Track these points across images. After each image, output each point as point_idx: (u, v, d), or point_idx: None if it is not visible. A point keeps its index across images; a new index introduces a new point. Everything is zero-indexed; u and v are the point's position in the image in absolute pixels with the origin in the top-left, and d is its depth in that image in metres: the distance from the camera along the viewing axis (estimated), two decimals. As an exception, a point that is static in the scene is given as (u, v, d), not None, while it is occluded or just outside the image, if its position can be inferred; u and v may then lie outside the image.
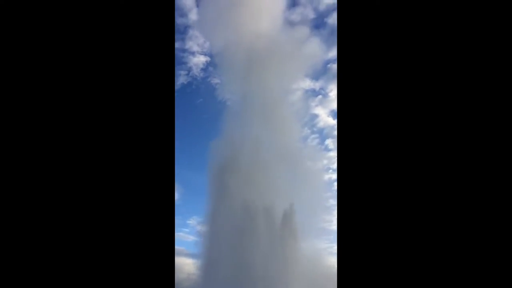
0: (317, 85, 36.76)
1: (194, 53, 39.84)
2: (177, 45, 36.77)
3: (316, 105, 38.28)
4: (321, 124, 38.99)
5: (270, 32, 24.76)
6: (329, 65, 34.67)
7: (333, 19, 35.31)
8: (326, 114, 38.95)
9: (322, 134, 39.98)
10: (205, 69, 39.16)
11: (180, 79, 39.46)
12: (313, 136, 37.28)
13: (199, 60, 39.43)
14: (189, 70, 39.85)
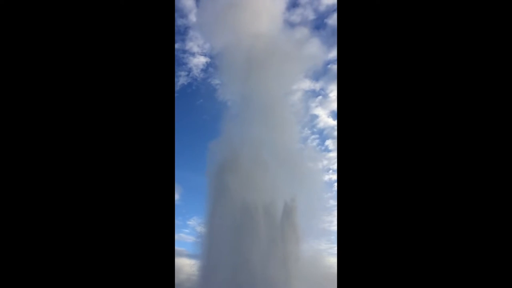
0: (317, 85, 36.73)
1: (194, 54, 39.87)
2: (177, 46, 36.78)
3: (316, 106, 38.28)
4: (321, 124, 38.98)
5: (270, 33, 24.79)
6: (329, 66, 34.66)
7: (333, 20, 35.34)
8: (326, 115, 38.94)
9: (322, 135, 39.98)
10: (205, 70, 39.17)
11: (181, 80, 39.48)
12: (313, 136, 37.27)
13: (199, 61, 39.45)
14: (189, 71, 39.87)
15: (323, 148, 38.81)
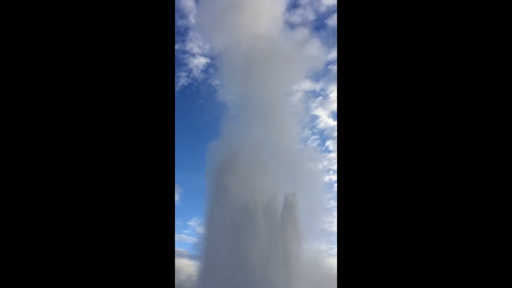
0: (317, 86, 36.74)
1: (194, 54, 39.89)
2: (177, 46, 36.80)
3: (317, 107, 38.29)
4: (321, 125, 38.99)
5: (271, 34, 24.80)
6: (329, 67, 34.66)
7: (333, 21, 35.35)
8: (327, 116, 38.96)
9: (322, 136, 39.98)
10: (205, 70, 39.18)
11: (181, 80, 39.50)
12: (313, 137, 37.29)
13: (200, 61, 39.47)
14: (190, 71, 39.88)
15: (323, 148, 38.83)
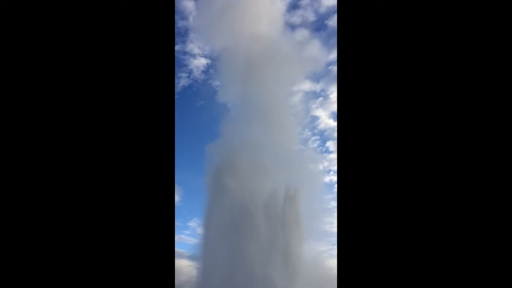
0: (317, 87, 36.77)
1: (195, 55, 39.92)
2: (178, 47, 36.82)
3: (317, 107, 38.33)
4: (321, 126, 39.03)
5: (271, 35, 24.83)
6: (330, 67, 34.69)
7: (333, 22, 35.39)
8: (327, 116, 39.00)
9: (323, 136, 40.02)
10: (206, 71, 39.20)
11: (181, 81, 39.53)
12: (314, 138, 37.32)
13: (200, 62, 39.50)
14: (190, 72, 39.91)
15: (323, 149, 38.89)
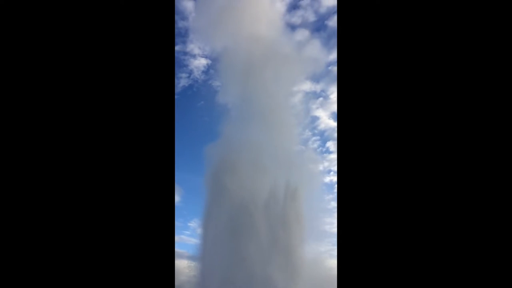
0: (318, 87, 36.75)
1: (195, 56, 39.92)
2: (178, 48, 36.82)
3: (317, 108, 38.33)
4: (322, 126, 39.04)
5: (271, 35, 24.85)
6: (330, 68, 34.67)
7: (334, 22, 35.41)
8: (327, 117, 39.00)
9: (323, 137, 40.02)
10: (206, 71, 39.21)
11: (182, 81, 39.53)
12: (314, 138, 37.33)
13: (200, 62, 39.50)
14: (190, 72, 39.92)
15: (324, 149, 38.90)
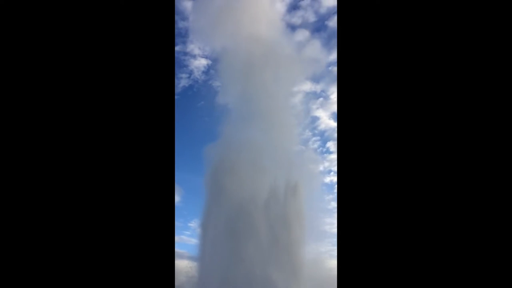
0: (318, 87, 36.77)
1: (195, 56, 39.92)
2: (178, 48, 36.82)
3: (317, 108, 38.37)
4: (322, 126, 39.07)
5: (271, 36, 24.85)
6: (330, 68, 34.70)
7: (334, 22, 35.42)
8: (327, 117, 39.03)
9: (323, 137, 40.05)
10: (206, 72, 39.21)
11: (182, 82, 39.54)
12: (314, 138, 37.36)
13: (200, 63, 39.50)
14: (191, 73, 39.92)
15: (324, 150, 38.93)
